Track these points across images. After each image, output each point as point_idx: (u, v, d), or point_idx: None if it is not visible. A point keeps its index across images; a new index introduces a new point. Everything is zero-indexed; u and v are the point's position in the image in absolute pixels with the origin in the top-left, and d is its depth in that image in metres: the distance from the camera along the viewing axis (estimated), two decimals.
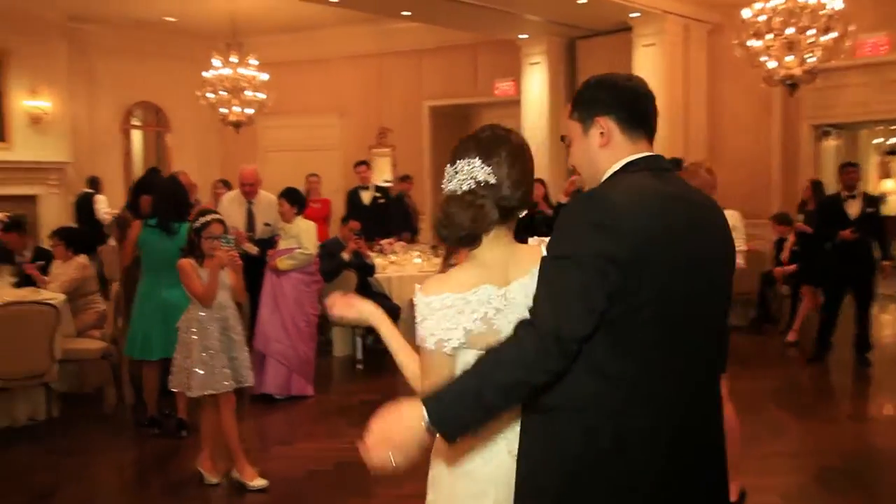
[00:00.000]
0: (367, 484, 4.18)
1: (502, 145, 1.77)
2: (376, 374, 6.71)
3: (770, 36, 7.44)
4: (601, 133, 1.73)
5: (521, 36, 10.76)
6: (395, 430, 1.54)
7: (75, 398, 5.92)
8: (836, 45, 7.30)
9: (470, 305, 1.69)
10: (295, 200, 5.99)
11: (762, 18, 7.42)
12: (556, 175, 9.94)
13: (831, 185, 8.66)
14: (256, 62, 10.59)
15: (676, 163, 5.51)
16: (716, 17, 9.90)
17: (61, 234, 6.07)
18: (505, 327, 1.69)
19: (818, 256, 7.14)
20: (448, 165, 1.81)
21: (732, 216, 3.99)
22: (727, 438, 3.90)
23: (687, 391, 1.63)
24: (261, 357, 5.91)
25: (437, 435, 1.54)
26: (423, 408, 1.52)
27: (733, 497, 3.79)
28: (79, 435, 5.21)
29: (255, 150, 12.83)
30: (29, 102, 11.04)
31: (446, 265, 1.82)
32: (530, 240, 1.89)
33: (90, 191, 10.35)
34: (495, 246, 1.78)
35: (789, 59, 7.44)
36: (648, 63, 9.58)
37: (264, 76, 10.67)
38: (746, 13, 7.47)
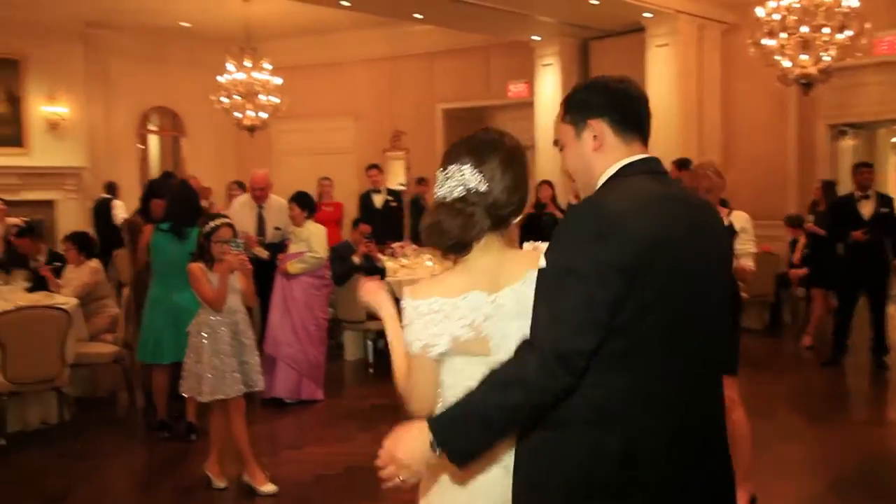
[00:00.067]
0: (376, 488, 4.13)
1: (495, 150, 1.73)
2: (388, 378, 6.60)
3: (785, 35, 7.35)
4: (594, 136, 1.70)
5: (533, 37, 10.73)
6: (404, 450, 1.57)
7: (88, 402, 5.97)
8: (852, 43, 7.20)
9: (458, 311, 1.67)
10: (305, 204, 6.00)
11: (777, 17, 7.33)
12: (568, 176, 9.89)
13: (848, 186, 8.54)
14: (270, 66, 10.65)
15: (685, 163, 5.46)
16: (730, 16, 9.81)
17: (74, 238, 6.12)
18: (494, 334, 1.68)
19: (829, 258, 7.04)
20: (439, 170, 1.77)
21: (741, 218, 3.94)
22: (738, 443, 3.90)
23: (691, 393, 1.62)
24: (271, 361, 5.92)
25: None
26: (430, 430, 1.54)
27: (744, 503, 3.74)
28: (90, 438, 5.24)
29: (269, 154, 12.89)
30: (47, 108, 11.18)
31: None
32: (525, 245, 1.84)
33: (108, 196, 10.46)
34: (487, 252, 1.74)
35: (804, 57, 7.36)
36: (662, 63, 9.51)
37: (278, 80, 10.72)
38: (760, 12, 7.39)
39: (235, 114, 10.68)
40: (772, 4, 7.35)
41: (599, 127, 1.69)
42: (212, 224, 4.33)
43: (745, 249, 3.93)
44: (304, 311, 6.03)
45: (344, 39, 12.43)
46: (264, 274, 5.97)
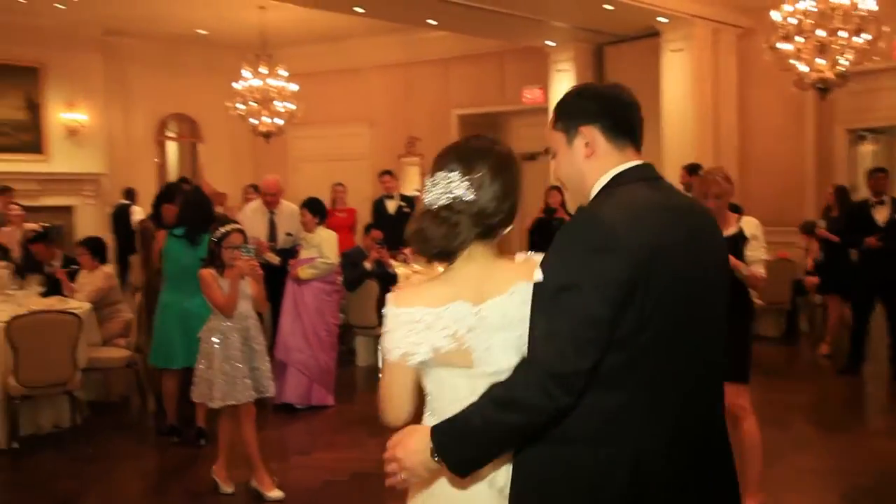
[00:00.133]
0: (381, 495, 4.15)
1: (485, 157, 1.69)
2: None
3: (801, 39, 7.27)
4: (586, 143, 1.67)
5: (548, 43, 10.71)
6: (405, 451, 1.59)
7: (101, 406, 6.02)
8: (870, 47, 7.11)
9: (440, 321, 1.65)
10: (316, 210, 6.01)
11: (793, 21, 7.26)
12: None
13: (867, 192, 8.43)
14: (286, 73, 10.72)
15: (695, 168, 5.42)
16: (746, 20, 9.72)
17: (87, 243, 6.18)
18: (476, 346, 1.65)
19: (842, 265, 6.94)
20: (428, 175, 1.74)
21: (751, 224, 3.89)
22: (749, 453, 3.85)
23: (690, 395, 1.60)
24: (282, 366, 5.93)
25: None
26: (431, 438, 1.56)
27: None
28: (102, 442, 5.28)
29: (285, 160, 12.96)
30: (66, 115, 11.34)
31: None
32: (517, 255, 1.80)
33: (127, 202, 10.58)
34: (473, 262, 1.71)
35: (821, 62, 7.27)
36: (677, 68, 9.45)
37: (294, 87, 10.78)
38: (776, 15, 7.31)
39: (251, 120, 10.76)
40: (787, 8, 7.28)
41: (591, 134, 1.67)
42: (222, 230, 4.35)
43: (757, 256, 3.86)
44: (315, 317, 6.04)
45: (359, 46, 12.47)
46: (275, 279, 5.99)
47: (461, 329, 1.65)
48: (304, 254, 6.04)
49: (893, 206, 6.60)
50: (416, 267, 7.78)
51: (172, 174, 13.18)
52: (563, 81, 10.87)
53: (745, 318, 3.93)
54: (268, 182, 6.73)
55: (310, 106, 11.08)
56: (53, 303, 5.54)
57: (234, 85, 10.61)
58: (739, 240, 3.83)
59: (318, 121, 12.27)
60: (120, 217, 10.41)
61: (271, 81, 10.59)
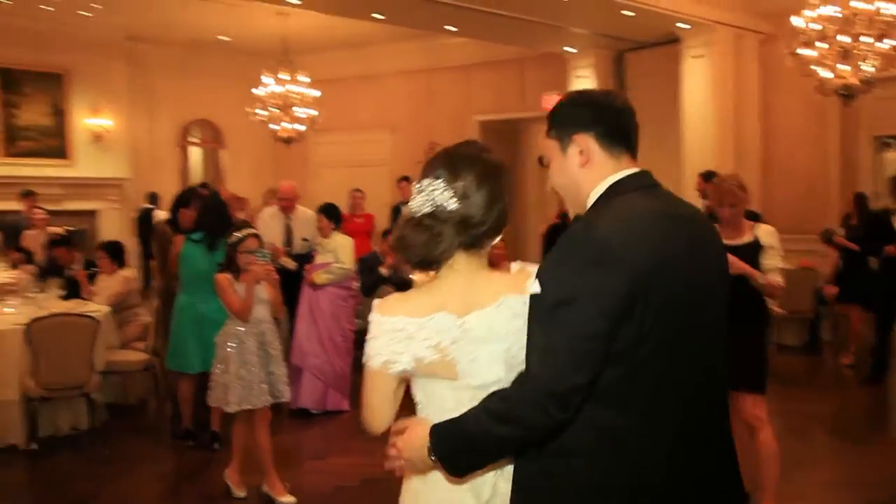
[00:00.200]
0: (392, 501, 4.14)
1: (472, 165, 1.66)
2: None
3: (823, 44, 7.18)
4: (580, 152, 1.65)
5: (568, 49, 10.67)
6: (406, 445, 1.62)
7: (120, 409, 6.08)
8: (895, 52, 7.00)
9: (423, 332, 1.63)
10: (332, 216, 6.04)
11: (815, 27, 7.16)
12: None
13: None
14: (307, 79, 10.79)
15: (711, 175, 5.36)
16: (768, 26, 9.61)
17: (106, 247, 6.26)
18: (461, 358, 1.63)
19: (862, 273, 6.82)
20: (416, 181, 1.73)
21: (767, 232, 3.83)
22: (765, 464, 3.78)
23: (691, 401, 1.58)
24: (297, 371, 5.95)
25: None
26: (430, 437, 1.57)
27: None
28: (119, 445, 5.34)
29: (306, 166, 13.05)
30: (90, 121, 11.50)
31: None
32: (512, 265, 1.77)
33: (150, 206, 10.70)
34: (458, 272, 1.68)
35: (844, 67, 7.17)
36: (698, 75, 9.37)
37: (315, 93, 10.85)
38: (797, 21, 7.23)
39: (272, 126, 10.83)
40: (809, 14, 7.19)
41: (585, 142, 1.65)
42: (238, 235, 4.38)
43: (773, 265, 3.80)
44: (331, 322, 6.06)
45: (380, 52, 12.53)
46: (291, 285, 6.01)
47: (445, 340, 1.63)
48: (319, 259, 6.07)
49: None
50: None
51: (195, 179, 13.29)
52: (583, 88, 10.84)
53: (760, 326, 3.88)
54: (283, 187, 6.77)
55: (331, 112, 11.15)
56: (72, 306, 5.61)
57: (255, 91, 10.69)
58: (755, 248, 3.77)
59: (339, 127, 12.34)
60: (144, 221, 10.54)
61: (292, 87, 10.66)
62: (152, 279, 9.27)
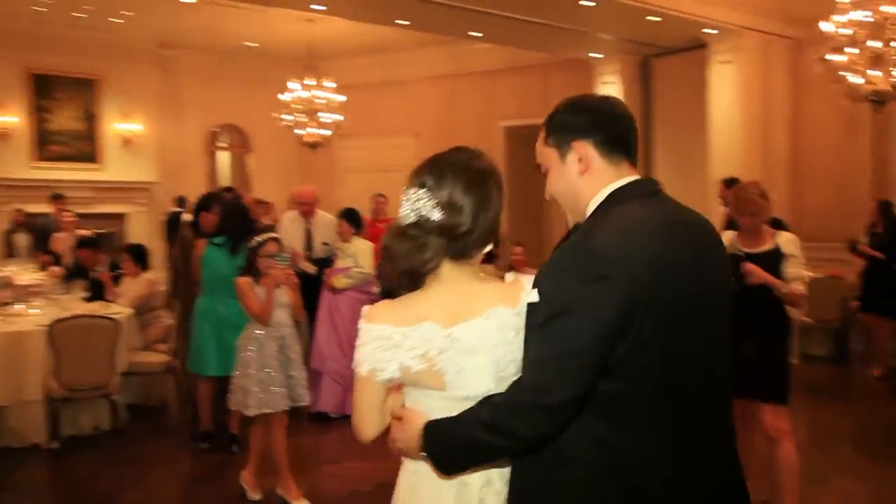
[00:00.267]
0: None
1: (459, 172, 1.62)
2: None
3: (854, 50, 7.05)
4: (579, 159, 1.62)
5: (593, 55, 10.62)
6: (403, 434, 1.63)
7: (142, 410, 6.14)
8: None
9: (409, 341, 1.61)
10: (353, 220, 6.07)
11: (845, 31, 7.04)
12: None
13: None
14: (333, 84, 10.86)
15: (733, 182, 5.30)
16: (797, 31, 9.47)
17: (130, 250, 6.34)
18: (448, 369, 1.61)
19: (887, 282, 6.66)
20: (404, 188, 1.69)
21: (788, 241, 3.76)
22: (785, 477, 3.70)
23: (693, 407, 1.56)
24: (316, 375, 5.97)
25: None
26: (423, 433, 1.58)
27: None
28: (139, 446, 5.40)
29: (332, 171, 13.13)
30: (120, 125, 11.69)
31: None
32: (507, 275, 1.75)
33: (179, 209, 10.82)
34: (445, 282, 1.65)
35: (874, 73, 7.04)
36: (725, 81, 9.26)
37: (340, 98, 10.92)
38: (826, 26, 7.11)
39: (298, 131, 10.92)
40: (838, 18, 7.07)
41: (584, 149, 1.62)
42: (258, 239, 4.40)
43: (796, 274, 3.73)
44: (351, 326, 6.06)
45: (405, 58, 12.58)
46: (311, 289, 6.03)
47: (432, 350, 1.61)
48: (339, 263, 6.09)
49: None
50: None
51: (223, 183, 13.43)
52: (608, 94, 10.75)
53: (781, 336, 3.80)
54: (302, 192, 6.80)
55: (356, 117, 11.21)
56: (96, 308, 5.69)
57: (281, 96, 10.79)
58: (776, 256, 3.70)
59: (364, 132, 12.40)
60: (173, 225, 10.65)
61: (318, 93, 10.74)
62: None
